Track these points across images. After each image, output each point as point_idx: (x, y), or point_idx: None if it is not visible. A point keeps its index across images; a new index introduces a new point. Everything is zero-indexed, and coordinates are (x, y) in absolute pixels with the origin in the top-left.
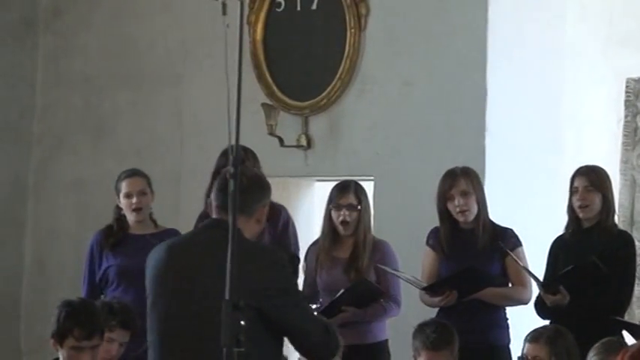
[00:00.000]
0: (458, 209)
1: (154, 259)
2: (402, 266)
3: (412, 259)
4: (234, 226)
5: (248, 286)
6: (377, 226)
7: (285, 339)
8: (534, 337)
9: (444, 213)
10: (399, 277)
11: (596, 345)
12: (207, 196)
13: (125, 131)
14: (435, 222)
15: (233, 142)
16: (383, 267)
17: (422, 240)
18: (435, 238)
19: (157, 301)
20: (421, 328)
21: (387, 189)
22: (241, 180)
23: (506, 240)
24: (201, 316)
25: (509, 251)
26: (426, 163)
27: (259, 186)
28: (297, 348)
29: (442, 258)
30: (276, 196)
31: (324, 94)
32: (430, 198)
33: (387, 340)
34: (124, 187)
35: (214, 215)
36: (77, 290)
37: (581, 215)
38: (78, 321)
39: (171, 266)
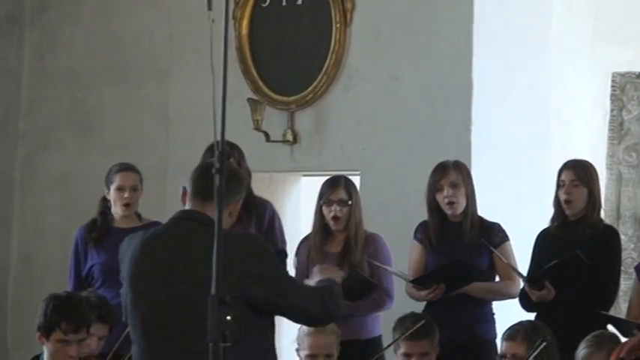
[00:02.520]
0: (446, 200)
1: (128, 255)
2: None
3: (400, 254)
4: (219, 221)
5: (231, 275)
6: (364, 221)
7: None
8: (511, 334)
9: (433, 205)
10: (387, 271)
11: (587, 337)
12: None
13: (111, 127)
14: (422, 216)
15: (219, 137)
16: (371, 260)
17: (409, 234)
18: (422, 232)
19: (138, 299)
20: (400, 321)
21: (373, 184)
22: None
23: (493, 235)
24: (184, 311)
25: (493, 249)
26: (413, 157)
27: (236, 179)
28: (295, 322)
29: (429, 252)
30: (262, 191)
31: (310, 88)
32: (417, 192)
33: (381, 336)
34: (116, 180)
35: (187, 203)
36: (64, 286)
37: (567, 211)
38: (65, 314)
39: (149, 263)
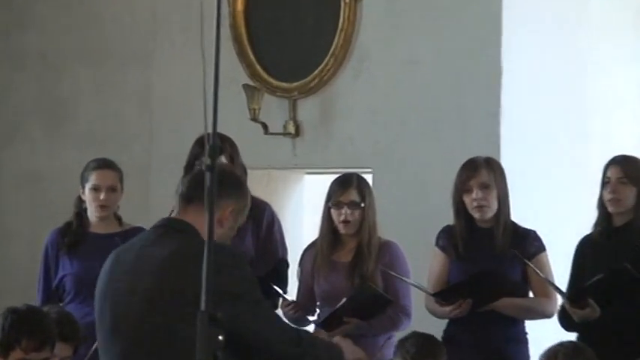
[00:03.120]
0: (475, 203)
1: (102, 267)
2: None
3: (418, 264)
4: (211, 228)
5: (193, 291)
6: (378, 226)
7: None
8: (549, 356)
9: (460, 208)
10: (406, 282)
11: None
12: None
13: (87, 117)
14: (443, 221)
15: (210, 129)
16: (387, 270)
17: (428, 241)
18: (446, 239)
19: (101, 316)
20: (400, 343)
21: (387, 183)
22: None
23: (528, 244)
24: (147, 332)
25: (527, 261)
26: (433, 153)
27: (232, 183)
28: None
29: (454, 261)
30: (259, 191)
31: (314, 73)
32: (438, 193)
33: None
34: (92, 178)
35: (175, 208)
36: (30, 299)
37: (611, 209)
38: (26, 330)
39: (113, 276)
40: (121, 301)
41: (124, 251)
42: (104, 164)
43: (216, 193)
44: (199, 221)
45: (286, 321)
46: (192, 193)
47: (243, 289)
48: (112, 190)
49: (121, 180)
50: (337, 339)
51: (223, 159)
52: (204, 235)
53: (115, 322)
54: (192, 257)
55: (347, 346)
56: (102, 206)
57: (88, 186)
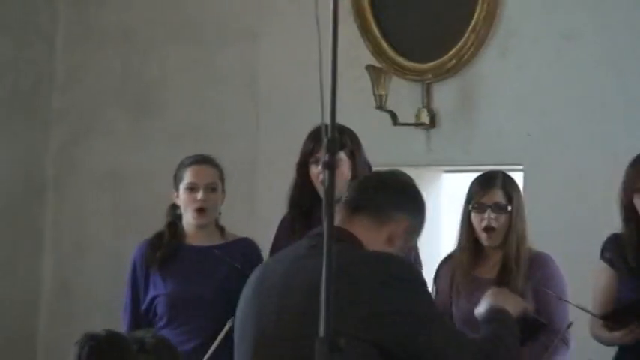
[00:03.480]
0: None
1: (246, 283)
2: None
3: (575, 279)
4: (329, 237)
5: (357, 312)
6: (528, 234)
7: None
8: None
9: (630, 212)
10: (564, 303)
11: None
12: (292, 195)
13: (178, 105)
14: (608, 228)
15: (327, 119)
16: (547, 290)
17: (589, 252)
18: (612, 250)
19: (241, 339)
20: None
21: (541, 183)
22: (378, 176)
23: None
24: (296, 358)
25: None
26: (595, 146)
27: (413, 195)
28: None
29: (624, 277)
30: None
31: (452, 52)
32: (601, 195)
33: None
34: (187, 176)
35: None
36: (114, 322)
37: None
38: None
39: (257, 292)
40: (267, 322)
41: (272, 264)
42: (202, 160)
43: (387, 203)
44: (366, 234)
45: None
46: (359, 200)
47: (420, 306)
48: (211, 189)
49: (221, 179)
50: (489, 292)
51: (342, 155)
52: (370, 245)
53: (258, 345)
54: (353, 271)
55: (507, 297)
56: (200, 210)
57: (182, 186)
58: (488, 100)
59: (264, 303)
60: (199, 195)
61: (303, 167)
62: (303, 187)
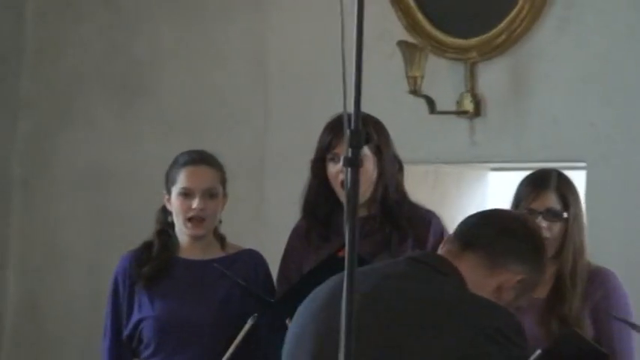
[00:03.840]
0: None
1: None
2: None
3: (636, 295)
4: (351, 252)
5: (448, 355)
6: (589, 242)
7: None
8: None
9: None
10: (630, 328)
11: None
12: (306, 198)
13: (172, 91)
14: None
15: (350, 107)
16: (616, 316)
17: None
18: None
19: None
20: None
21: (607, 183)
22: (505, 216)
23: None
24: None
25: None
26: None
27: (536, 244)
28: None
29: None
30: (423, 196)
31: (501, 25)
32: None
33: None
34: (181, 179)
35: (444, 247)
36: (92, 351)
37: None
38: None
39: (331, 303)
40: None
41: (336, 282)
42: (199, 159)
43: (512, 248)
44: (473, 275)
45: None
46: (475, 236)
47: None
48: (210, 195)
49: (223, 182)
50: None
51: (366, 150)
52: (475, 289)
53: None
54: (459, 309)
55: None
56: (196, 219)
57: (175, 190)
58: (544, 84)
59: (334, 319)
60: (195, 202)
61: (319, 165)
62: (319, 188)
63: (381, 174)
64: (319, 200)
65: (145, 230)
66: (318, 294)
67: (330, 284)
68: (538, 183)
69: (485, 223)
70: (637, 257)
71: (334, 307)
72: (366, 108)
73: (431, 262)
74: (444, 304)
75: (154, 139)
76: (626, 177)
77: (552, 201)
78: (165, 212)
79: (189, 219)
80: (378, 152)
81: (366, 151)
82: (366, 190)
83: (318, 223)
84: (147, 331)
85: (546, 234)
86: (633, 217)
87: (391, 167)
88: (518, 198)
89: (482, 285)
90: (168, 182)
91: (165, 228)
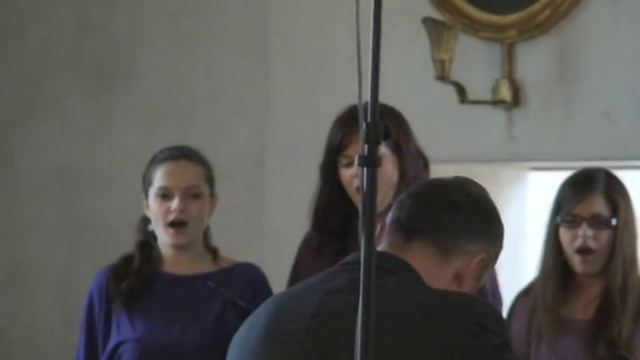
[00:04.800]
0: None
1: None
2: None
3: None
4: (367, 265)
5: None
6: None
7: None
8: None
9: None
10: None
11: None
12: (317, 207)
13: (155, 76)
14: None
15: (365, 96)
16: None
17: None
18: None
19: None
20: None
21: None
22: (443, 188)
23: None
24: None
25: None
26: None
27: (488, 213)
28: None
29: None
30: None
31: (544, 0)
32: None
33: None
34: (158, 177)
35: (384, 240)
36: None
37: None
38: None
39: (274, 334)
40: None
41: (291, 299)
42: (179, 154)
43: (461, 229)
44: (425, 267)
45: None
46: (418, 220)
47: None
48: (192, 195)
49: (209, 180)
50: None
51: (383, 148)
52: (431, 282)
53: None
54: (432, 317)
55: None
56: (176, 223)
57: (152, 191)
58: (595, 69)
59: (280, 354)
60: (174, 203)
61: (330, 168)
62: (331, 196)
63: (402, 175)
64: (331, 210)
65: (126, 241)
66: (254, 324)
67: (267, 311)
68: (583, 184)
69: (424, 203)
70: None
71: (278, 340)
72: (384, 97)
73: (379, 261)
74: (409, 310)
75: (134, 132)
76: None
77: (599, 205)
78: (147, 221)
79: (170, 224)
80: (398, 150)
81: (384, 149)
82: (385, 195)
83: (332, 236)
84: (127, 357)
85: (591, 244)
86: None
87: (414, 166)
88: (559, 202)
89: (438, 276)
90: (145, 183)
91: (148, 239)
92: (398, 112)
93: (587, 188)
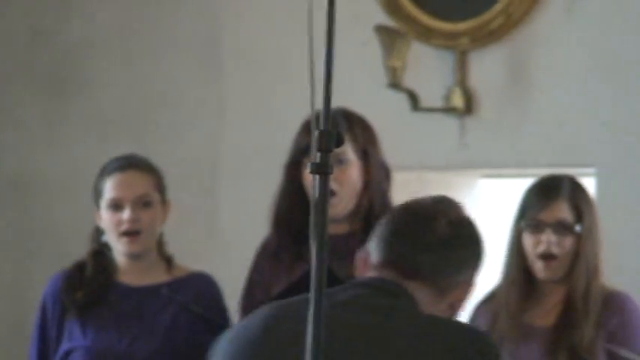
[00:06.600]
0: None
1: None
2: None
3: None
4: (318, 275)
5: None
6: (602, 265)
7: None
8: None
9: None
10: None
11: None
12: (278, 207)
13: (110, 82)
14: None
15: (319, 104)
16: (613, 348)
17: None
18: None
19: None
20: None
21: (619, 191)
22: (434, 223)
23: None
24: None
25: None
26: None
27: (469, 244)
28: None
29: None
30: None
31: (496, 7)
32: None
33: None
34: (108, 189)
35: (371, 273)
36: None
37: None
38: None
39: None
40: None
41: (284, 317)
42: (127, 164)
43: (456, 265)
44: (423, 299)
45: None
46: (414, 265)
47: None
48: (143, 204)
49: (159, 188)
50: None
51: (350, 154)
52: (428, 311)
53: None
54: (432, 340)
55: None
56: (129, 232)
57: (103, 203)
58: (547, 76)
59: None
60: (125, 214)
61: (294, 169)
62: (293, 197)
63: (367, 182)
64: (293, 209)
65: (79, 251)
66: (241, 335)
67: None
68: (548, 190)
69: (411, 245)
70: None
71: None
72: (337, 103)
73: (374, 283)
74: (417, 333)
75: (88, 141)
76: (637, 184)
77: (564, 212)
78: (100, 231)
79: (123, 234)
80: (365, 157)
81: (351, 155)
82: (349, 202)
83: (291, 238)
84: None
85: (555, 250)
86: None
87: (378, 174)
88: (524, 208)
89: (433, 308)
90: (96, 195)
91: (100, 248)
92: (365, 119)
93: (552, 194)
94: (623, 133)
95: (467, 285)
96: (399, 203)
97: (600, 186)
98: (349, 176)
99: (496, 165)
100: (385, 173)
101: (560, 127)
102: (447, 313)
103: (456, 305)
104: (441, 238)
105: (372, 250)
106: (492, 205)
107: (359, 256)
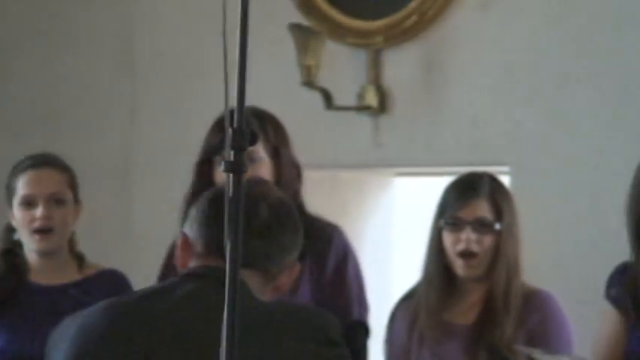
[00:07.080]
0: None
1: (72, 340)
2: None
3: (583, 325)
4: (233, 274)
5: None
6: (522, 262)
7: None
8: None
9: None
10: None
11: None
12: (188, 205)
13: (21, 83)
14: (620, 251)
15: (232, 102)
16: (527, 350)
17: (593, 285)
18: (620, 285)
19: None
20: None
21: (534, 191)
22: (257, 208)
23: None
24: None
25: None
26: (614, 140)
27: (292, 224)
28: None
29: (634, 324)
30: (321, 206)
31: (411, 5)
32: (611, 205)
33: None
34: (20, 186)
35: (193, 261)
36: None
37: None
38: None
39: (119, 352)
40: None
41: (136, 317)
42: (41, 162)
43: (283, 249)
44: (252, 285)
45: None
46: (244, 254)
47: None
48: (56, 201)
49: (72, 186)
50: None
51: (261, 153)
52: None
53: None
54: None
55: None
56: (41, 230)
57: (16, 201)
58: (461, 75)
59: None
60: (38, 211)
61: (204, 167)
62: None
63: (278, 181)
64: None
65: None
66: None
67: (107, 318)
68: (467, 188)
69: (246, 233)
70: (567, 276)
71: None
72: (251, 102)
73: (214, 274)
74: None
75: (0, 139)
76: (554, 184)
77: (483, 210)
78: (10, 230)
79: (35, 231)
80: (275, 154)
81: (262, 153)
82: None
83: None
84: None
85: (474, 248)
86: (563, 229)
87: (289, 172)
88: (443, 206)
89: (261, 294)
90: (8, 193)
91: (11, 247)
92: (276, 118)
93: (471, 192)
94: (537, 132)
95: (291, 269)
96: (211, 189)
97: (514, 185)
98: (260, 175)
99: (410, 163)
100: (297, 172)
101: (475, 126)
102: (272, 296)
103: (280, 287)
104: (268, 225)
105: (195, 237)
106: (407, 204)
107: (182, 240)
